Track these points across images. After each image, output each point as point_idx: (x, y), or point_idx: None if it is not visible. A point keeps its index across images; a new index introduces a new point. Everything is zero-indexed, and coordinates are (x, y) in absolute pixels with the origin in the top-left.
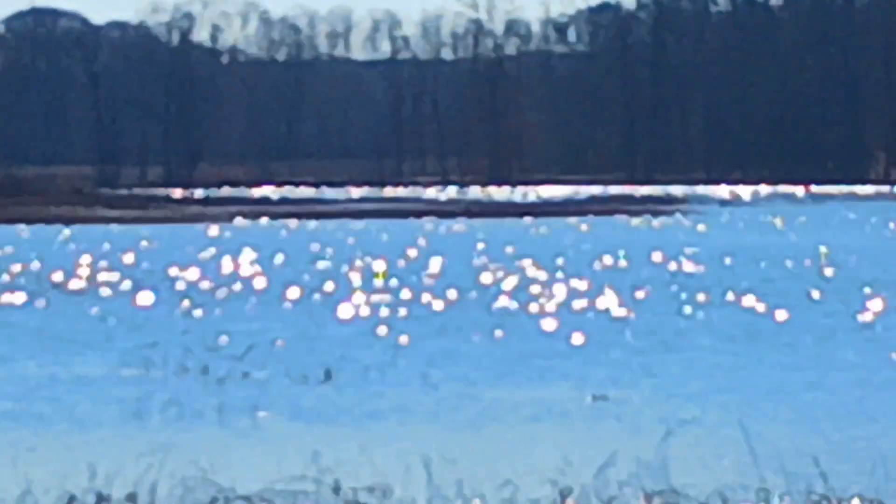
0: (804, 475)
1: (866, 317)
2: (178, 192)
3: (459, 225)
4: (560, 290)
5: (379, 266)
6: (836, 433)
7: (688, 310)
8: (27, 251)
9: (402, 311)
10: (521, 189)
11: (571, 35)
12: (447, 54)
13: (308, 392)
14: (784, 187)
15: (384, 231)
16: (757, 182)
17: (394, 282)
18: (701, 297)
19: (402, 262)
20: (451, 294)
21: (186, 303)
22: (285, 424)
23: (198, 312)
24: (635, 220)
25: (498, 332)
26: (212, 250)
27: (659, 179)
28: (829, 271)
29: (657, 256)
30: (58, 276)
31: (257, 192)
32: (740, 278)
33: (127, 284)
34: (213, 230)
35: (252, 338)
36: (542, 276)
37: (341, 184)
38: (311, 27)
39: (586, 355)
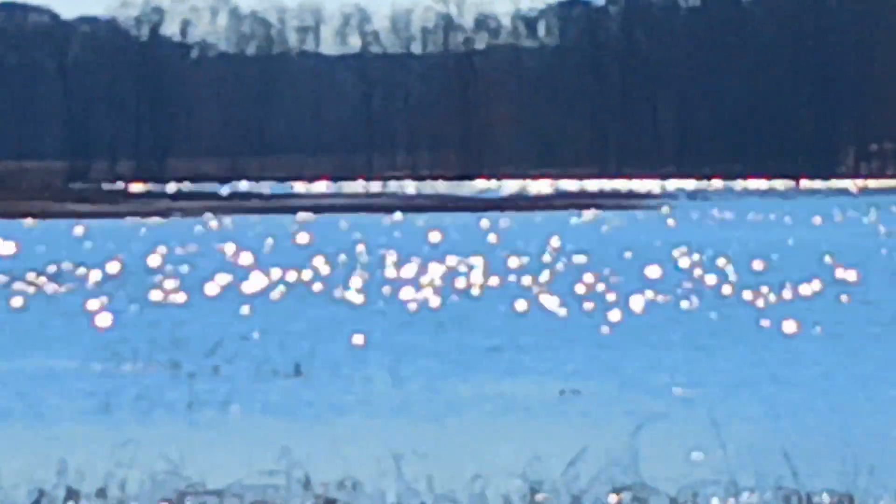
0: (774, 469)
1: (832, 311)
2: (148, 187)
3: (429, 219)
4: (529, 284)
5: (348, 260)
6: (805, 428)
7: (657, 304)
8: None
9: (371, 306)
10: (491, 183)
11: (541, 29)
12: (417, 49)
13: (277, 387)
14: (754, 181)
15: (354, 225)
16: (727, 177)
17: (364, 276)
18: (670, 291)
19: (371, 257)
20: (421, 288)
21: (155, 297)
22: (255, 419)
23: (167, 307)
24: (605, 214)
25: (467, 327)
26: (181, 245)
27: (629, 173)
28: (797, 266)
29: (626, 251)
30: (27, 272)
31: (227, 186)
32: (711, 272)
33: (95, 278)
34: (183, 225)
35: (221, 333)
36: (512, 269)
37: (311, 178)
38: (281, 21)
39: (555, 350)
